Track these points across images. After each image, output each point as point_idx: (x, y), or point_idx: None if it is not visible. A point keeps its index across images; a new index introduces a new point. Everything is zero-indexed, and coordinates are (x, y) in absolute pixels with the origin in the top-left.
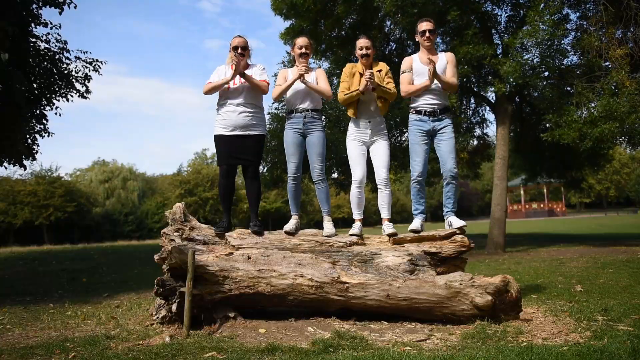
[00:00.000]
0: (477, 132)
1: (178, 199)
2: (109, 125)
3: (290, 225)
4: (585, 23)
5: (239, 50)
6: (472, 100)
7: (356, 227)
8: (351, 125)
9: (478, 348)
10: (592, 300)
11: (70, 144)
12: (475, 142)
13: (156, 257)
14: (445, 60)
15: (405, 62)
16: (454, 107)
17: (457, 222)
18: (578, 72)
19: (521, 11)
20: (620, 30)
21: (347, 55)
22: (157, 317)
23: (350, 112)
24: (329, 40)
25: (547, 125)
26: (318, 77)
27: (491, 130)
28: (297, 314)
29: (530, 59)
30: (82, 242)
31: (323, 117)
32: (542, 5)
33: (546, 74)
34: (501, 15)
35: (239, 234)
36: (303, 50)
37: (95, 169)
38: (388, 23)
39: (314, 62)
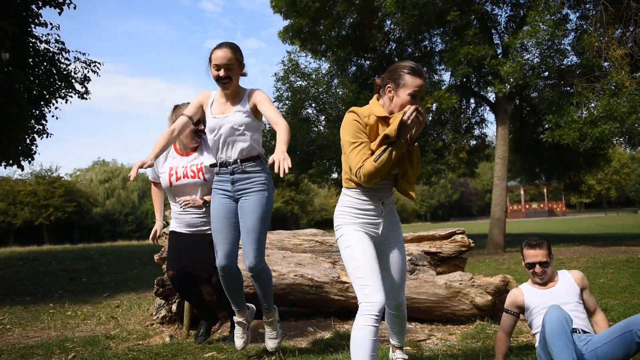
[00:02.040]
0: (477, 132)
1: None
2: (109, 125)
3: (238, 339)
4: (585, 23)
5: (222, 73)
6: (472, 100)
7: None
8: (350, 208)
9: (478, 348)
10: None
11: (70, 144)
12: (475, 142)
13: (156, 257)
14: (572, 282)
15: (513, 298)
16: (454, 108)
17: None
18: (578, 72)
19: (521, 11)
20: (620, 30)
21: (347, 55)
22: (157, 317)
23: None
24: (328, 40)
25: (547, 125)
26: (259, 103)
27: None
28: (297, 314)
29: (530, 59)
30: (82, 242)
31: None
32: (542, 5)
33: (546, 74)
34: (501, 15)
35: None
36: (222, 72)
37: (95, 169)
38: (388, 23)
39: (313, 61)
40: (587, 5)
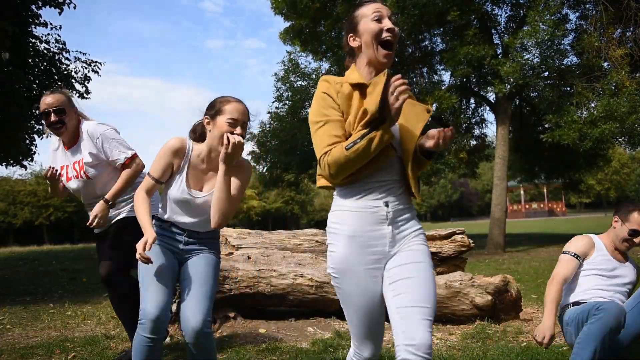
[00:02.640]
0: (477, 132)
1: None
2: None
3: None
4: (585, 23)
5: (52, 118)
6: (472, 100)
7: None
8: (344, 216)
9: (478, 348)
10: None
11: None
12: (475, 142)
13: None
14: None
15: (582, 243)
16: (454, 108)
17: None
18: (578, 72)
19: (521, 11)
20: (620, 30)
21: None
22: None
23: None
24: (329, 41)
25: (547, 125)
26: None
27: (490, 130)
28: (297, 314)
29: (530, 59)
30: (82, 242)
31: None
32: (542, 5)
33: (546, 74)
34: (501, 15)
35: (239, 233)
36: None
37: None
38: None
39: (313, 61)
40: (587, 5)
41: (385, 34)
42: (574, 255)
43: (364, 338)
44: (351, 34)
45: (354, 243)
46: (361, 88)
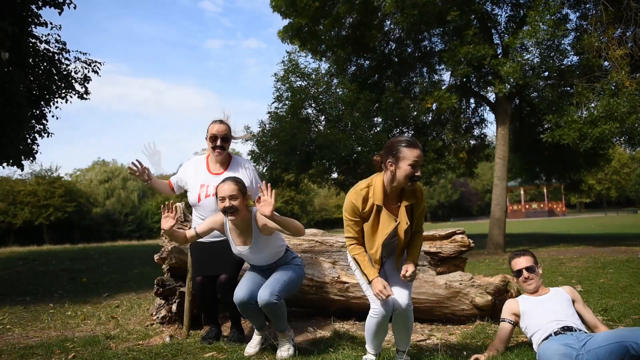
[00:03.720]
0: (477, 132)
1: (178, 199)
2: (109, 125)
3: (250, 347)
4: (585, 23)
5: (218, 142)
6: (472, 100)
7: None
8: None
9: (478, 348)
10: (592, 300)
11: (70, 144)
12: (474, 142)
13: (156, 257)
14: (562, 292)
15: (509, 306)
16: (454, 108)
17: None
18: (578, 72)
19: (521, 11)
20: (620, 30)
21: (347, 55)
22: (157, 317)
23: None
24: (328, 40)
25: (547, 125)
26: (264, 223)
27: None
28: (297, 314)
29: (530, 59)
30: (82, 242)
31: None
32: (542, 5)
33: (546, 74)
34: (501, 15)
35: None
36: (226, 203)
37: (95, 169)
38: (388, 23)
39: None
40: (587, 5)
41: (414, 177)
42: (503, 320)
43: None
44: (390, 161)
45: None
46: (379, 206)
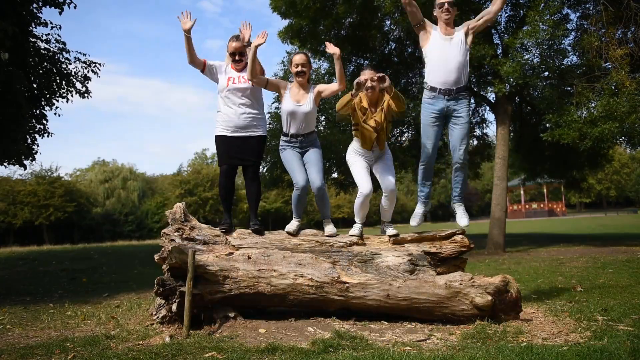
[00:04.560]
0: (477, 132)
1: (178, 199)
2: (109, 125)
3: (292, 226)
4: (585, 23)
5: (237, 57)
6: (472, 100)
7: (356, 228)
8: (353, 150)
9: (478, 348)
10: (592, 300)
11: (70, 144)
12: (475, 142)
13: (156, 257)
14: (461, 35)
15: (428, 22)
16: None
17: (461, 219)
18: (578, 72)
19: (521, 11)
20: (620, 30)
21: (346, 55)
22: (157, 317)
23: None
24: (328, 40)
25: (547, 125)
26: (319, 91)
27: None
28: (297, 314)
29: (530, 59)
30: (82, 242)
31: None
32: (542, 5)
33: (546, 74)
34: (501, 15)
35: (239, 234)
36: (299, 68)
37: (95, 169)
38: (387, 22)
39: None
40: (587, 5)
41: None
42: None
43: (362, 178)
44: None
45: (357, 156)
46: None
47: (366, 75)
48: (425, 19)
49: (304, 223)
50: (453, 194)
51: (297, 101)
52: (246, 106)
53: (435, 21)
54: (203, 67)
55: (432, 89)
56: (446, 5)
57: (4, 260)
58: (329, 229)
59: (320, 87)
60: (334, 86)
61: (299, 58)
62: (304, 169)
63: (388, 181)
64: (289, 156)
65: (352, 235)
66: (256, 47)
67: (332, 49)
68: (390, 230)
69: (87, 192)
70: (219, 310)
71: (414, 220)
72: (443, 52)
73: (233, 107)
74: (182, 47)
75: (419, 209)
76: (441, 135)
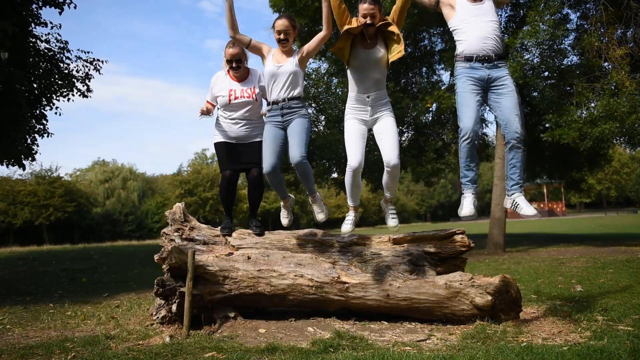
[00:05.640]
0: None
1: (178, 199)
2: (110, 125)
3: (283, 217)
4: (585, 23)
5: (234, 64)
6: None
7: (349, 221)
8: (347, 104)
9: (478, 348)
10: (592, 300)
11: (71, 144)
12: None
13: (156, 257)
14: (490, 2)
15: None
16: (454, 107)
17: (526, 208)
18: (578, 72)
19: (521, 11)
20: (620, 30)
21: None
22: (157, 317)
23: (339, 45)
24: (328, 40)
25: (547, 125)
26: (304, 50)
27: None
28: (297, 314)
29: (530, 59)
30: (82, 242)
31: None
32: (542, 5)
33: (546, 74)
34: (501, 15)
35: (239, 234)
36: (282, 36)
37: (95, 169)
38: None
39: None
40: (587, 5)
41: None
42: None
43: (353, 149)
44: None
45: (350, 114)
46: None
47: (363, 11)
48: None
49: (304, 223)
50: (510, 183)
51: (278, 62)
52: (247, 119)
53: None
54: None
55: (468, 58)
56: None
57: (4, 260)
58: (317, 207)
59: (306, 46)
60: (319, 35)
61: (280, 23)
62: (276, 147)
63: (389, 153)
64: (265, 133)
65: (346, 228)
66: (229, 6)
67: None
68: (391, 221)
69: (87, 192)
70: (219, 310)
71: (465, 210)
72: (475, 18)
73: (233, 120)
74: (182, 47)
75: (468, 199)
76: (481, 108)
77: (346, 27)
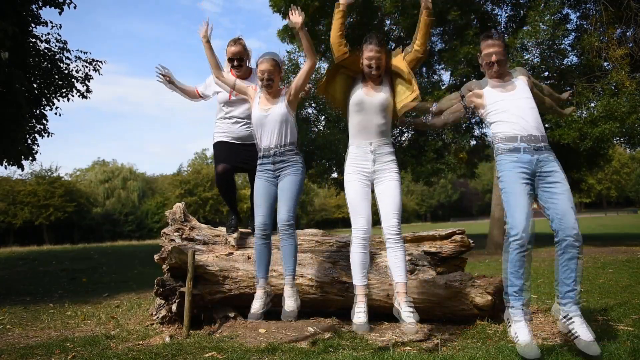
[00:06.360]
0: (477, 132)
1: (178, 199)
2: (109, 125)
3: (255, 305)
4: (585, 23)
5: (235, 63)
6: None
7: (361, 306)
8: (348, 155)
9: (478, 348)
10: (592, 300)
11: (71, 144)
12: (475, 142)
13: (156, 257)
14: (521, 81)
15: (472, 84)
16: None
17: (584, 335)
18: (578, 72)
19: (521, 11)
20: (620, 30)
21: None
22: (157, 317)
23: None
24: (328, 40)
25: (547, 125)
26: (291, 88)
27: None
28: (297, 314)
29: (530, 59)
30: (82, 242)
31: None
32: (542, 5)
33: (546, 74)
34: (501, 15)
35: (239, 234)
36: (265, 76)
37: (95, 169)
38: (388, 22)
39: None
40: (587, 5)
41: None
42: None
43: (357, 212)
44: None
45: (351, 170)
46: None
47: (368, 52)
48: (462, 93)
49: (304, 223)
50: (563, 288)
51: (265, 107)
52: (248, 118)
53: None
54: (201, 96)
55: (510, 138)
56: (494, 57)
57: (4, 260)
58: (289, 303)
59: (293, 85)
60: (303, 68)
61: (264, 66)
62: (268, 206)
63: (390, 219)
64: (255, 187)
65: (360, 320)
66: (205, 39)
67: (293, 17)
68: (407, 316)
69: (87, 192)
70: (219, 310)
71: (528, 351)
72: (508, 99)
73: (233, 120)
74: (182, 47)
75: (522, 330)
76: (532, 198)
77: (340, 61)
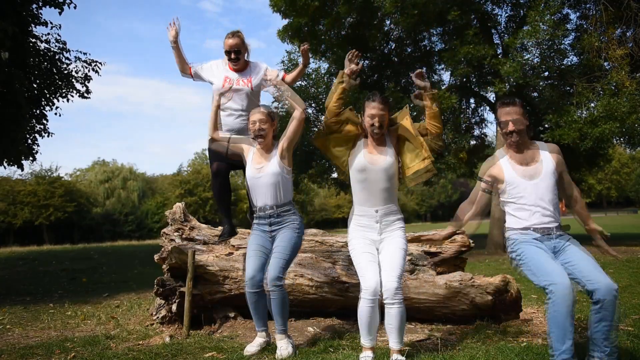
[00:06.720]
0: (477, 132)
1: (178, 199)
2: (109, 125)
3: (251, 346)
4: (585, 23)
5: (232, 56)
6: (472, 100)
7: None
8: (352, 219)
9: (478, 348)
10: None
11: (70, 144)
12: (474, 142)
13: (156, 257)
14: (552, 162)
15: (486, 166)
16: (454, 107)
17: None
18: (578, 72)
19: (521, 11)
20: (620, 30)
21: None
22: (157, 317)
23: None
24: (328, 40)
25: (547, 125)
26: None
27: (490, 130)
28: (297, 314)
29: (530, 59)
30: (82, 242)
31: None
32: (542, 5)
33: (546, 74)
34: (501, 15)
35: (239, 233)
36: (257, 126)
37: (95, 169)
38: (388, 23)
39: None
40: (587, 5)
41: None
42: (480, 179)
43: (365, 270)
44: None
45: (358, 233)
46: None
47: (370, 109)
48: (484, 182)
49: (304, 223)
50: (594, 350)
51: (258, 165)
52: (243, 110)
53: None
54: (192, 75)
55: (523, 229)
56: (510, 126)
57: (4, 260)
58: (284, 343)
59: (284, 140)
60: (293, 121)
61: (256, 117)
62: (259, 260)
63: (388, 281)
64: (250, 242)
65: None
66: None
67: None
68: None
69: (87, 192)
70: (219, 310)
71: None
72: (528, 185)
73: (227, 111)
74: (182, 47)
75: None
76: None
77: (333, 119)
